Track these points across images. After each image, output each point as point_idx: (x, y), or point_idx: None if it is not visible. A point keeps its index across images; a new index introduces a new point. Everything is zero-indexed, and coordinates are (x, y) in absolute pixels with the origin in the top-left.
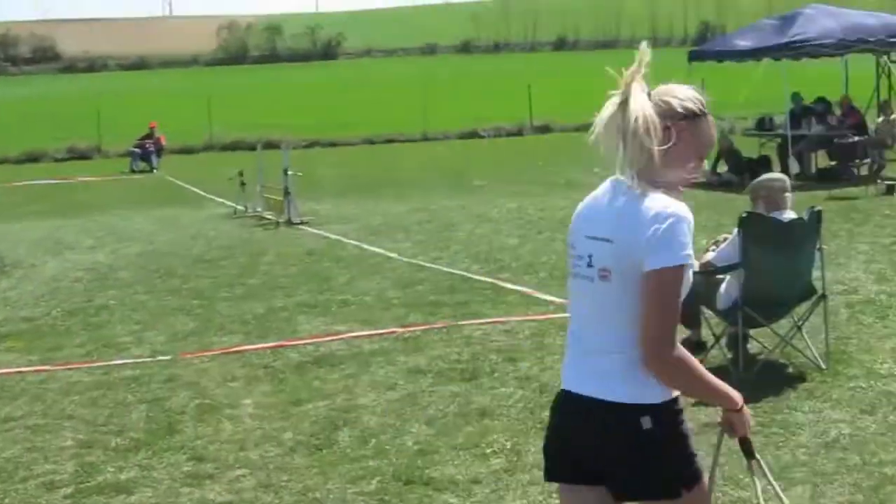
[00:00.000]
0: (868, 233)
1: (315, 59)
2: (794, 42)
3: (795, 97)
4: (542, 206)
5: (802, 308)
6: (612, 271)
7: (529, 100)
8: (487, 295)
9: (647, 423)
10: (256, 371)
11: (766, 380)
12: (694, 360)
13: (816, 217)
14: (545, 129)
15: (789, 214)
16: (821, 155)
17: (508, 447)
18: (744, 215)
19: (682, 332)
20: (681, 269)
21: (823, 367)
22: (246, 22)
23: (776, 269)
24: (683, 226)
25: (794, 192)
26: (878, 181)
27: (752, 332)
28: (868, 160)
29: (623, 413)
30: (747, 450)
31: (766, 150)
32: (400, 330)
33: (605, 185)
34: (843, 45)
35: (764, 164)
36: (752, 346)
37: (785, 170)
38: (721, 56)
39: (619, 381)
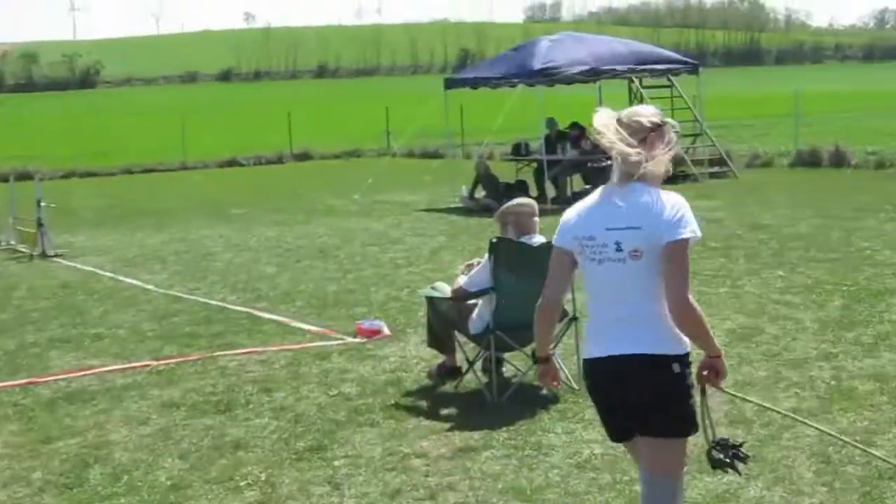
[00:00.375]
0: None
1: (73, 87)
2: (547, 69)
3: (550, 122)
4: (301, 233)
5: (555, 330)
6: (643, 251)
7: (289, 127)
8: (244, 325)
9: (676, 368)
10: (5, 409)
11: (521, 403)
12: (700, 309)
13: None
14: (305, 157)
15: (538, 238)
16: (576, 178)
17: (263, 479)
18: (493, 240)
19: (437, 358)
20: (689, 240)
21: (576, 388)
22: (1, 50)
23: (527, 292)
24: (689, 209)
25: (552, 216)
26: None
27: (505, 355)
28: None
29: (659, 362)
30: (703, 390)
31: (522, 174)
32: (154, 363)
33: (599, 193)
34: (595, 72)
35: (521, 188)
36: (506, 370)
37: (542, 194)
38: (476, 83)
39: (655, 339)
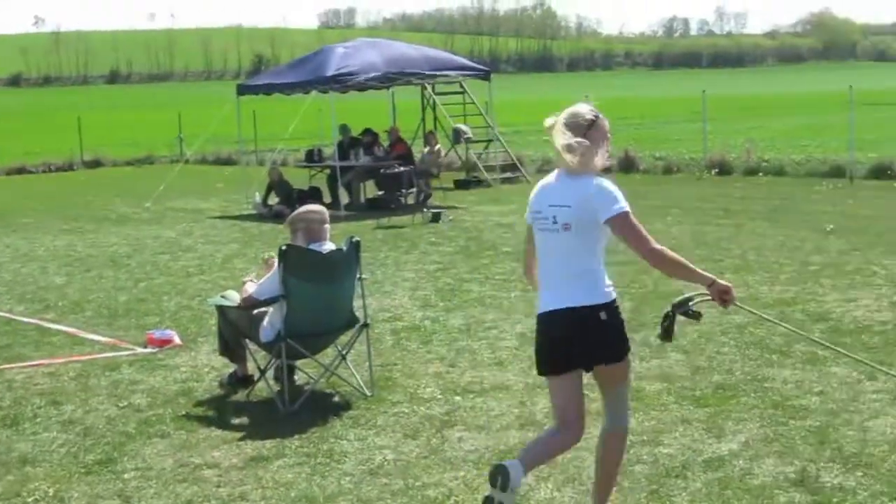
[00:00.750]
0: (414, 260)
1: None
2: (340, 75)
3: (343, 129)
4: (91, 242)
5: (347, 337)
6: (572, 225)
7: (80, 134)
8: (31, 336)
9: (603, 315)
10: None
11: (313, 410)
12: (673, 253)
13: (355, 247)
14: (96, 164)
15: (328, 245)
16: (370, 185)
17: (51, 494)
18: (283, 248)
19: (228, 367)
20: (626, 212)
21: (369, 394)
22: None
23: (317, 299)
24: (615, 189)
25: (346, 222)
26: (425, 210)
27: (297, 363)
28: (414, 189)
29: (589, 311)
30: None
31: (316, 181)
32: None
33: (553, 174)
34: (388, 78)
35: (314, 195)
36: (299, 378)
37: (335, 200)
38: (269, 89)
39: (583, 293)
